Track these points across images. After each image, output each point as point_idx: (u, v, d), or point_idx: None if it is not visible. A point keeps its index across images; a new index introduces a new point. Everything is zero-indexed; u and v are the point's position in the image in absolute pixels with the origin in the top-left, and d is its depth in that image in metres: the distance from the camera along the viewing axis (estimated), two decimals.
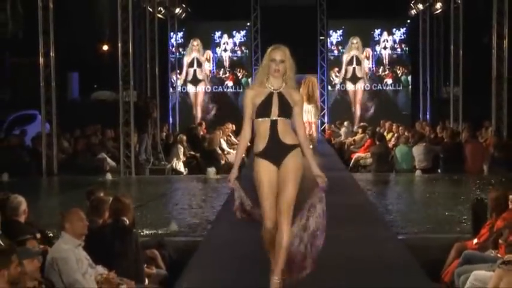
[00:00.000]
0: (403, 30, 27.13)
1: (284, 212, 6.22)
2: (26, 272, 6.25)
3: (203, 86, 27.47)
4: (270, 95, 6.35)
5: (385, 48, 27.11)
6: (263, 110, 6.32)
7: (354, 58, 27.19)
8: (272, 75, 6.36)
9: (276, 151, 6.32)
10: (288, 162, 6.32)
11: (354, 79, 27.30)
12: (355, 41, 27.14)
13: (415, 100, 27.07)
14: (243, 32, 27.15)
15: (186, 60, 27.43)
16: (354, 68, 27.23)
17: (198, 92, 27.47)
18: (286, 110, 6.34)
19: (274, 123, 6.31)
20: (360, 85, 27.30)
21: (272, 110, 6.31)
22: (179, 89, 27.11)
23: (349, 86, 27.33)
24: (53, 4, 18.35)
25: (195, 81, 27.43)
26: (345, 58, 27.26)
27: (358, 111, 27.39)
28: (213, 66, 27.34)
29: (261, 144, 6.34)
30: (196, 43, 27.37)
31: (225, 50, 27.26)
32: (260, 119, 6.34)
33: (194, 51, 27.39)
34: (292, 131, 6.40)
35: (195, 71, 27.40)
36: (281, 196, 6.27)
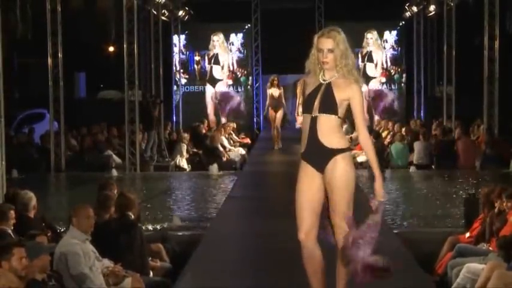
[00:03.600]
0: (395, 31, 26.58)
1: (339, 223, 5.37)
2: (35, 265, 6.34)
3: (223, 85, 26.43)
4: (319, 86, 5.39)
5: (384, 48, 26.62)
6: (307, 103, 5.40)
7: (369, 54, 26.30)
8: (322, 67, 5.42)
9: (316, 155, 5.33)
10: (331, 171, 5.29)
11: (366, 78, 25.75)
12: (370, 36, 26.19)
13: (409, 99, 26.91)
14: (241, 34, 26.72)
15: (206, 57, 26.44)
16: (365, 65, 26.17)
17: (217, 92, 26.31)
18: (329, 104, 5.29)
19: (314, 121, 5.31)
20: (374, 84, 26.40)
21: (314, 104, 5.32)
22: (183, 88, 26.59)
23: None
24: (61, 7, 18.49)
25: (213, 80, 26.53)
26: (360, 55, 26.07)
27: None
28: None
29: (302, 145, 5.42)
30: (217, 38, 26.30)
31: (229, 51, 26.75)
32: (303, 115, 5.44)
33: (215, 47, 26.37)
34: (340, 131, 5.37)
35: (211, 68, 26.50)
36: (332, 208, 5.37)
